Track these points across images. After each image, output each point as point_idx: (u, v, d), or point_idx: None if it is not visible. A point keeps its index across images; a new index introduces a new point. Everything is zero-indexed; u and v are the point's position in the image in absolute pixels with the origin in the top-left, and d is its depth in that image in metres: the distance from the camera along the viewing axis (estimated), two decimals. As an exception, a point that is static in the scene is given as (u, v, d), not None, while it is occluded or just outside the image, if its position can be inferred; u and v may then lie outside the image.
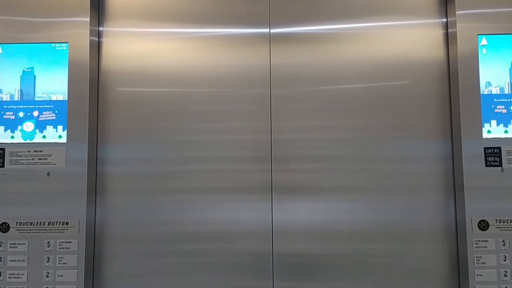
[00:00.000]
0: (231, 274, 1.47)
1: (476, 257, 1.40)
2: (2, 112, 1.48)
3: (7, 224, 1.44)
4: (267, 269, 1.47)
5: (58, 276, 1.42)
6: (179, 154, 1.51)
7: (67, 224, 1.43)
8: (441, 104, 1.52)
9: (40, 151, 1.46)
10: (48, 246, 1.43)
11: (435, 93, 1.52)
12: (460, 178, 1.44)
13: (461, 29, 1.47)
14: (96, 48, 1.53)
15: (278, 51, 1.53)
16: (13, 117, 1.48)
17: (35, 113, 1.48)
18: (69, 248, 1.42)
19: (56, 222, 1.44)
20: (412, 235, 1.48)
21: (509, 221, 1.41)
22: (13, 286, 1.42)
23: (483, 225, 1.41)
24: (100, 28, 1.56)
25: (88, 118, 1.47)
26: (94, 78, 1.52)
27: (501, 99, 1.46)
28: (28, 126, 1.48)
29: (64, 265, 1.42)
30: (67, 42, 1.49)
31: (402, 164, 1.50)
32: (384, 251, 1.48)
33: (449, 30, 1.52)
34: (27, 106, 1.48)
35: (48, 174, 1.45)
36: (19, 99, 1.49)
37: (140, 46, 1.55)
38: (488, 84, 1.46)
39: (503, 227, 1.41)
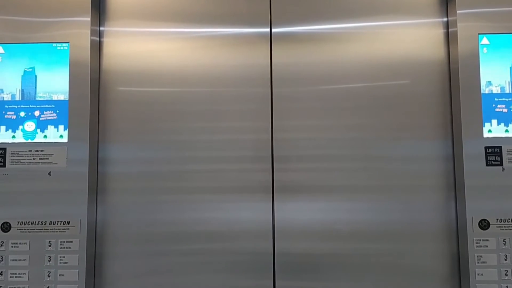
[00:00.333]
0: (231, 273, 1.47)
1: (477, 256, 1.40)
2: (4, 112, 1.49)
3: (8, 224, 1.44)
4: (267, 269, 1.47)
5: (60, 275, 1.42)
6: (180, 154, 1.51)
7: (68, 224, 1.44)
8: (442, 104, 1.52)
9: (41, 150, 1.46)
10: (49, 246, 1.43)
11: (436, 93, 1.52)
12: (461, 177, 1.44)
13: (462, 29, 1.47)
14: (97, 48, 1.54)
15: (280, 51, 1.53)
16: (14, 116, 1.48)
17: (36, 113, 1.48)
18: (70, 247, 1.43)
19: (57, 222, 1.44)
20: (412, 235, 1.48)
21: (510, 220, 1.41)
22: (14, 286, 1.42)
23: (484, 225, 1.41)
24: (101, 28, 1.56)
25: (89, 118, 1.47)
26: (95, 78, 1.52)
27: (501, 98, 1.46)
28: (29, 125, 1.48)
29: (66, 264, 1.42)
30: (68, 42, 1.49)
31: (402, 163, 1.50)
32: (385, 250, 1.48)
33: (449, 30, 1.52)
34: (28, 106, 1.49)
35: (49, 173, 1.45)
36: (20, 99, 1.49)
37: (141, 46, 1.55)
38: (489, 83, 1.46)
39: (504, 227, 1.41)
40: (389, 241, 1.48)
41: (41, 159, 1.46)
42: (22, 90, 1.49)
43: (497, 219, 1.41)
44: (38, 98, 1.48)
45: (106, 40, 1.56)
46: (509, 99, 1.46)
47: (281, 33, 1.54)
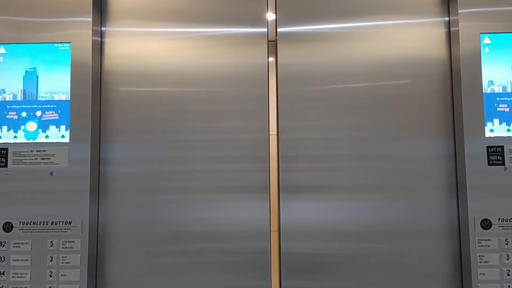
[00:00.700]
0: (231, 273, 1.47)
1: (479, 256, 1.40)
2: (5, 112, 1.49)
3: (10, 224, 1.44)
4: (265, 268, 1.47)
5: (61, 275, 1.42)
6: (182, 154, 1.51)
7: (70, 224, 1.44)
8: (443, 103, 1.51)
9: (43, 151, 1.47)
10: (51, 246, 1.43)
11: (437, 92, 1.52)
12: (463, 177, 1.44)
13: (463, 28, 1.47)
14: (99, 48, 1.54)
15: (285, 51, 1.53)
16: (16, 117, 1.49)
17: (38, 113, 1.49)
18: (72, 247, 1.43)
19: (59, 222, 1.44)
20: (414, 234, 1.48)
21: (512, 220, 1.41)
22: (16, 286, 1.42)
23: (486, 224, 1.41)
24: (103, 28, 1.56)
25: (90, 118, 1.47)
26: (97, 78, 1.52)
27: (503, 97, 1.46)
28: (31, 126, 1.48)
29: (67, 264, 1.42)
30: (70, 42, 1.49)
31: (403, 163, 1.50)
32: (386, 250, 1.47)
33: (451, 29, 1.52)
34: (30, 106, 1.49)
35: (51, 173, 1.45)
36: (22, 99, 1.49)
37: (142, 46, 1.55)
38: (491, 83, 1.46)
39: (506, 226, 1.41)
40: (390, 240, 1.48)
41: (43, 159, 1.46)
42: (24, 90, 1.49)
43: (499, 219, 1.41)
44: (39, 98, 1.49)
45: (107, 40, 1.56)
46: (511, 98, 1.46)
47: (286, 32, 1.53)
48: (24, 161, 1.46)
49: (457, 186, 1.48)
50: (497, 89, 1.46)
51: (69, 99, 1.48)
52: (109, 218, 1.51)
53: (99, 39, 1.54)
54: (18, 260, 1.43)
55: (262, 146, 1.50)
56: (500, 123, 1.45)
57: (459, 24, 1.47)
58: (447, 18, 1.54)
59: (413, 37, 1.54)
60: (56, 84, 1.49)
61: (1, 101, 1.49)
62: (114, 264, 1.49)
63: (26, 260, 1.43)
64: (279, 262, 1.48)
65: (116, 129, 1.53)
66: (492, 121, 1.45)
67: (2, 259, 1.43)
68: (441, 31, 1.54)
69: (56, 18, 1.50)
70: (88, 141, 1.46)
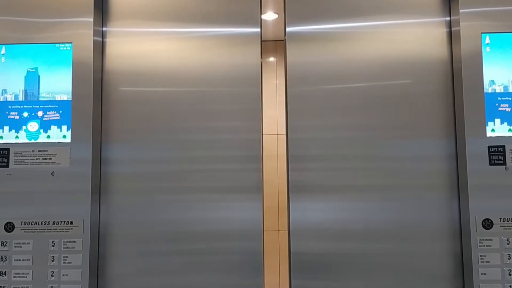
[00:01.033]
0: (223, 273, 1.46)
1: (480, 255, 1.40)
2: (7, 112, 1.49)
3: (12, 224, 1.45)
4: (258, 268, 1.46)
5: (63, 275, 1.42)
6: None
7: (72, 224, 1.44)
8: (445, 103, 1.51)
9: (45, 151, 1.47)
10: (53, 246, 1.43)
11: (439, 92, 1.52)
12: (464, 176, 1.44)
13: (465, 28, 1.47)
14: (100, 48, 1.54)
15: (294, 50, 1.52)
16: (17, 117, 1.49)
17: (40, 113, 1.49)
18: (73, 247, 1.43)
19: (61, 222, 1.44)
20: (415, 234, 1.47)
21: (514, 219, 1.41)
22: (18, 286, 1.42)
23: (487, 224, 1.41)
24: (104, 29, 1.56)
25: (92, 118, 1.47)
26: (98, 78, 1.52)
27: (505, 97, 1.46)
28: (33, 126, 1.48)
29: (69, 264, 1.42)
30: (71, 43, 1.49)
31: (405, 163, 1.50)
32: (387, 249, 1.47)
33: (452, 29, 1.52)
34: (31, 106, 1.49)
35: (53, 174, 1.46)
36: (23, 99, 1.49)
37: (143, 46, 1.55)
38: (492, 82, 1.46)
39: (507, 226, 1.41)
40: (391, 240, 1.47)
41: (44, 159, 1.46)
42: (25, 91, 1.50)
43: (500, 219, 1.41)
44: (41, 99, 1.49)
45: (108, 41, 1.56)
46: (512, 98, 1.46)
47: (295, 32, 1.53)
48: (25, 161, 1.47)
49: (459, 186, 1.48)
50: (499, 89, 1.46)
51: (70, 99, 1.48)
52: (111, 218, 1.51)
53: (100, 39, 1.55)
54: (19, 260, 1.43)
55: (255, 146, 1.50)
56: (502, 123, 1.45)
57: (460, 24, 1.47)
58: (448, 18, 1.54)
59: (414, 37, 1.54)
60: (58, 84, 1.49)
61: (2, 101, 1.49)
62: (116, 264, 1.49)
63: (28, 260, 1.43)
64: (289, 261, 1.48)
65: (118, 129, 1.53)
66: (494, 121, 1.45)
67: (4, 259, 1.43)
68: (442, 31, 1.54)
69: (58, 18, 1.50)
70: (89, 141, 1.46)
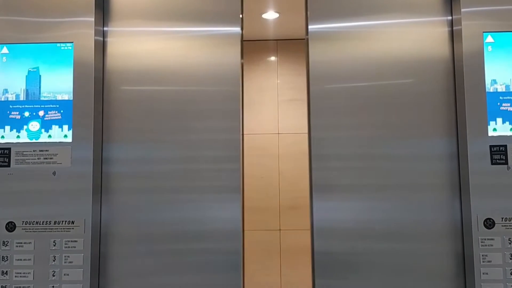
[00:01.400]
0: (201, 273, 1.46)
1: (482, 255, 1.39)
2: (8, 112, 1.49)
3: (13, 224, 1.45)
4: (237, 267, 1.46)
5: (64, 275, 1.42)
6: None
7: (73, 224, 1.44)
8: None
9: (46, 150, 1.47)
10: (54, 245, 1.43)
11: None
12: (466, 176, 1.43)
13: (466, 27, 1.46)
14: (101, 47, 1.54)
15: (316, 48, 1.53)
16: (18, 116, 1.49)
17: (41, 113, 1.49)
18: (75, 247, 1.43)
19: (62, 221, 1.44)
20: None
21: (515, 219, 1.41)
22: (19, 285, 1.42)
23: (489, 223, 1.41)
24: (105, 28, 1.56)
25: (93, 118, 1.47)
26: (99, 77, 1.52)
27: (506, 97, 1.46)
28: (34, 125, 1.48)
29: (70, 264, 1.42)
30: (72, 42, 1.49)
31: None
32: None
33: (454, 28, 1.52)
34: (32, 106, 1.49)
35: (54, 173, 1.46)
36: (24, 99, 1.49)
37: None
38: (494, 81, 1.46)
39: (509, 225, 1.41)
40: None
41: (46, 158, 1.46)
42: (27, 90, 1.50)
43: (502, 218, 1.41)
44: (42, 98, 1.49)
45: (110, 40, 1.56)
46: (514, 97, 1.46)
47: (317, 30, 1.53)
48: (27, 160, 1.47)
49: (460, 185, 1.47)
50: (500, 88, 1.46)
51: (71, 98, 1.48)
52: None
53: (101, 38, 1.55)
54: (21, 259, 1.43)
55: (234, 146, 1.50)
56: (503, 122, 1.44)
57: (462, 23, 1.46)
58: (449, 17, 1.54)
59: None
60: (59, 83, 1.49)
61: (4, 101, 1.49)
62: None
63: (29, 259, 1.43)
64: (312, 260, 1.47)
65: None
66: (495, 120, 1.44)
67: (5, 259, 1.43)
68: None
69: (59, 18, 1.50)
70: (90, 141, 1.46)
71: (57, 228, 1.44)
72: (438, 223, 1.48)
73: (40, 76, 1.50)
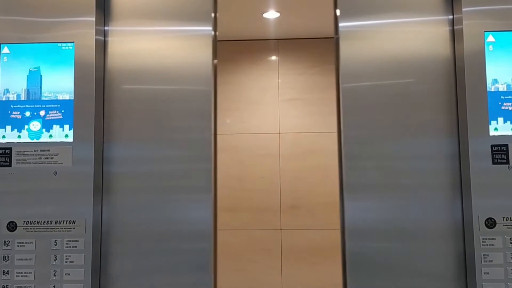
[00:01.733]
0: (178, 273, 1.47)
1: (483, 255, 1.39)
2: (9, 112, 1.49)
3: (14, 223, 1.45)
4: (208, 266, 1.46)
5: (65, 274, 1.42)
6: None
7: (74, 223, 1.44)
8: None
9: (47, 150, 1.47)
10: (55, 245, 1.43)
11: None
12: (467, 176, 1.43)
13: (468, 26, 1.46)
14: (102, 47, 1.54)
15: (347, 46, 1.53)
16: (19, 116, 1.49)
17: (42, 113, 1.49)
18: (76, 246, 1.43)
19: (63, 221, 1.44)
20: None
21: (517, 219, 1.41)
22: (20, 285, 1.42)
23: (490, 223, 1.41)
24: (106, 28, 1.56)
25: (94, 117, 1.47)
26: (100, 77, 1.52)
27: (508, 96, 1.45)
28: (35, 125, 1.49)
29: (71, 263, 1.42)
30: (73, 42, 1.49)
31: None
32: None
33: (455, 27, 1.52)
34: (33, 106, 1.49)
35: (55, 173, 1.46)
36: (25, 99, 1.49)
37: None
38: (495, 81, 1.46)
39: (510, 225, 1.40)
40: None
41: (47, 158, 1.47)
42: (28, 90, 1.50)
43: (503, 218, 1.41)
44: (43, 98, 1.49)
45: (111, 39, 1.56)
46: (516, 97, 1.45)
47: (347, 28, 1.53)
48: (28, 160, 1.47)
49: (461, 185, 1.47)
50: (502, 88, 1.46)
51: (72, 98, 1.48)
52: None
53: (103, 38, 1.55)
54: (22, 259, 1.43)
55: (206, 145, 1.50)
56: (505, 121, 1.44)
57: (463, 22, 1.46)
58: (450, 16, 1.54)
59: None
60: (60, 83, 1.49)
61: (5, 100, 1.49)
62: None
63: (30, 259, 1.43)
64: (342, 260, 1.47)
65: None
66: (497, 120, 1.44)
67: (6, 258, 1.43)
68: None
69: (60, 18, 1.50)
70: (91, 141, 1.46)
71: (58, 228, 1.44)
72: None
73: (41, 76, 1.50)
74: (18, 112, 1.49)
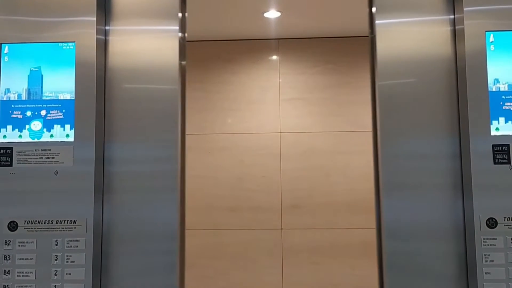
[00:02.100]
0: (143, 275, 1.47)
1: (485, 255, 1.39)
2: (10, 112, 1.49)
3: (15, 223, 1.45)
4: (173, 268, 1.46)
5: (66, 274, 1.42)
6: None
7: (75, 223, 1.44)
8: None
9: (48, 150, 1.47)
10: (56, 245, 1.43)
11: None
12: (468, 175, 1.43)
13: (469, 26, 1.46)
14: (103, 46, 1.54)
15: (384, 43, 1.52)
16: (20, 116, 1.49)
17: (43, 112, 1.49)
18: (77, 246, 1.43)
19: (64, 221, 1.44)
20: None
21: (518, 218, 1.41)
22: (21, 285, 1.42)
23: (492, 223, 1.40)
24: (107, 27, 1.56)
25: (95, 117, 1.47)
26: (101, 77, 1.52)
27: (509, 96, 1.45)
28: (36, 125, 1.49)
29: (72, 263, 1.42)
30: (74, 42, 1.49)
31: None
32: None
33: (456, 27, 1.52)
34: (34, 105, 1.49)
35: (56, 173, 1.46)
36: (26, 99, 1.49)
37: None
38: (496, 81, 1.46)
39: (512, 225, 1.40)
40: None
41: (48, 158, 1.47)
42: (29, 90, 1.50)
43: (504, 218, 1.41)
44: (44, 98, 1.49)
45: (111, 39, 1.56)
46: (517, 96, 1.45)
47: (384, 25, 1.52)
48: (29, 160, 1.47)
49: (463, 184, 1.47)
50: (503, 87, 1.46)
51: (73, 98, 1.48)
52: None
53: (103, 37, 1.54)
54: (23, 259, 1.43)
55: (173, 146, 1.50)
56: (506, 121, 1.44)
57: (465, 22, 1.46)
58: (452, 16, 1.54)
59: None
60: (61, 83, 1.49)
61: (6, 100, 1.49)
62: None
63: (31, 259, 1.43)
64: (379, 260, 1.47)
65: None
66: (498, 120, 1.44)
67: (7, 258, 1.43)
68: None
69: (61, 17, 1.50)
70: (92, 140, 1.46)
71: (59, 228, 1.44)
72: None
73: (42, 75, 1.50)
74: (19, 112, 1.49)
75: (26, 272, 1.43)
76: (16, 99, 1.49)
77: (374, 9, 1.54)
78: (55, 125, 1.48)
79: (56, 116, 1.48)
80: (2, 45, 1.51)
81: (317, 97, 4.18)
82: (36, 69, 1.50)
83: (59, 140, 1.47)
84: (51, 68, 1.50)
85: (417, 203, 1.48)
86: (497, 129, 1.44)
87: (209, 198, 4.12)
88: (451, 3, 1.53)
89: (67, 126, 1.48)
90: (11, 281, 1.42)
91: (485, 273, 1.39)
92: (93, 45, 1.48)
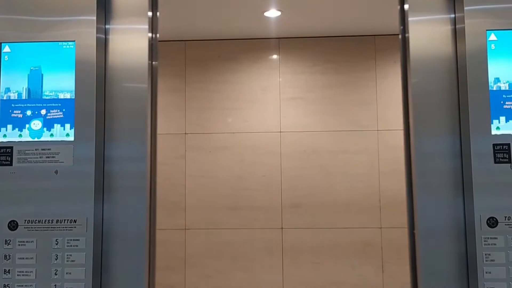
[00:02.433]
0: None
1: (485, 254, 1.39)
2: (10, 111, 1.49)
3: (15, 222, 1.45)
4: (140, 269, 1.47)
5: (66, 273, 1.42)
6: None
7: (75, 222, 1.44)
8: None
9: (48, 149, 1.47)
10: (56, 244, 1.43)
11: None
12: (469, 175, 1.43)
13: (469, 25, 1.46)
14: (103, 46, 1.54)
15: (418, 41, 1.51)
16: (20, 115, 1.49)
17: (43, 112, 1.49)
18: (77, 245, 1.43)
19: (64, 220, 1.44)
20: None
21: (518, 218, 1.40)
22: (22, 284, 1.42)
23: (492, 222, 1.40)
24: (107, 26, 1.56)
25: (95, 116, 1.47)
26: (101, 76, 1.52)
27: (510, 95, 1.45)
28: (36, 124, 1.48)
29: (72, 262, 1.42)
30: (74, 41, 1.49)
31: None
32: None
33: (457, 26, 1.51)
34: (34, 105, 1.49)
35: (56, 172, 1.46)
36: (26, 98, 1.49)
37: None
38: (497, 80, 1.45)
39: (512, 224, 1.40)
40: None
41: (48, 157, 1.46)
42: (29, 89, 1.50)
43: (505, 217, 1.41)
44: (44, 97, 1.49)
45: (111, 38, 1.55)
46: (518, 95, 1.45)
47: (418, 21, 1.52)
48: (29, 159, 1.47)
49: (463, 184, 1.47)
50: (504, 86, 1.45)
51: (73, 97, 1.48)
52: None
53: (104, 36, 1.54)
54: (23, 258, 1.43)
55: (142, 146, 1.50)
56: (507, 120, 1.44)
57: (465, 21, 1.46)
58: (452, 15, 1.53)
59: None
60: (61, 82, 1.49)
61: (6, 99, 1.49)
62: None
63: (31, 258, 1.43)
64: (412, 261, 1.47)
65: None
66: (499, 119, 1.44)
67: (8, 257, 1.43)
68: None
69: (61, 17, 1.50)
70: (92, 139, 1.46)
71: (59, 227, 1.44)
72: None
73: (42, 75, 1.50)
74: (19, 111, 1.49)
75: (26, 272, 1.43)
76: (16, 98, 1.49)
77: (406, 7, 1.53)
78: (55, 125, 1.48)
79: (56, 115, 1.48)
80: (2, 44, 1.51)
81: (318, 96, 4.18)
82: (36, 68, 1.50)
83: (59, 140, 1.47)
84: (51, 67, 1.49)
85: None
86: (497, 128, 1.44)
87: (210, 197, 4.12)
88: (452, 2, 1.53)
89: (67, 126, 1.48)
90: (11, 280, 1.42)
91: (486, 272, 1.39)
92: (93, 44, 1.48)
